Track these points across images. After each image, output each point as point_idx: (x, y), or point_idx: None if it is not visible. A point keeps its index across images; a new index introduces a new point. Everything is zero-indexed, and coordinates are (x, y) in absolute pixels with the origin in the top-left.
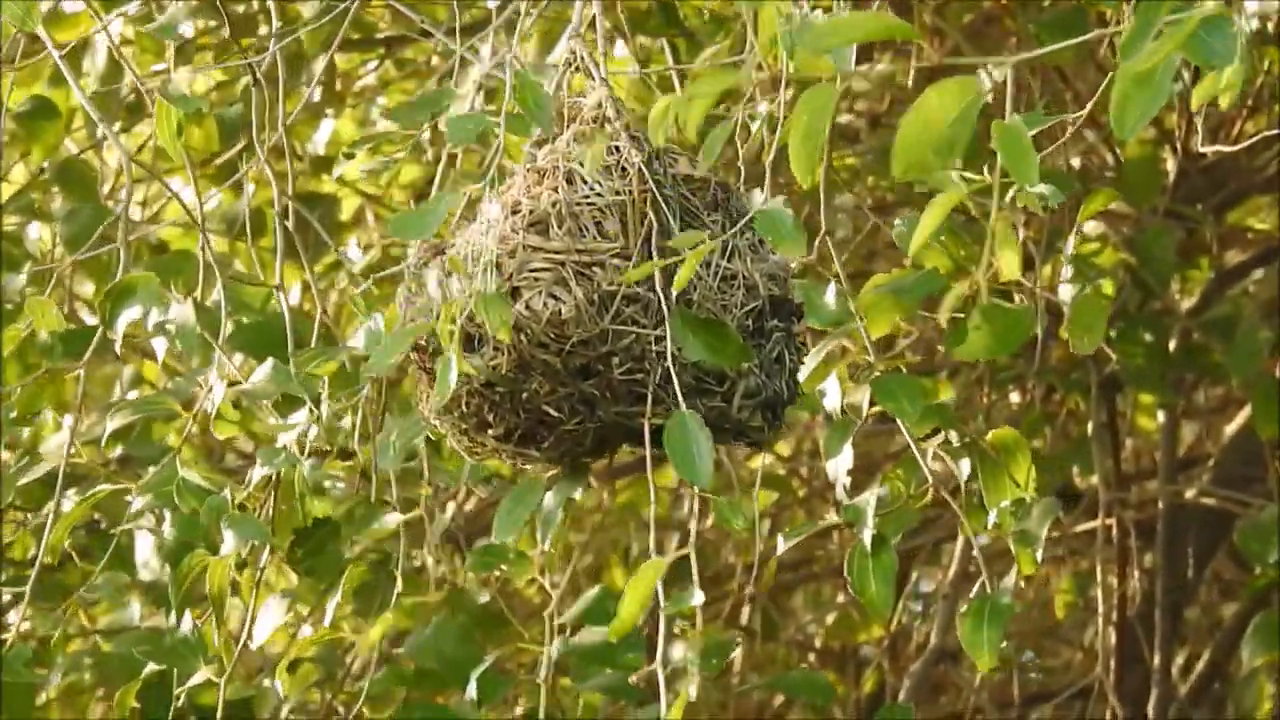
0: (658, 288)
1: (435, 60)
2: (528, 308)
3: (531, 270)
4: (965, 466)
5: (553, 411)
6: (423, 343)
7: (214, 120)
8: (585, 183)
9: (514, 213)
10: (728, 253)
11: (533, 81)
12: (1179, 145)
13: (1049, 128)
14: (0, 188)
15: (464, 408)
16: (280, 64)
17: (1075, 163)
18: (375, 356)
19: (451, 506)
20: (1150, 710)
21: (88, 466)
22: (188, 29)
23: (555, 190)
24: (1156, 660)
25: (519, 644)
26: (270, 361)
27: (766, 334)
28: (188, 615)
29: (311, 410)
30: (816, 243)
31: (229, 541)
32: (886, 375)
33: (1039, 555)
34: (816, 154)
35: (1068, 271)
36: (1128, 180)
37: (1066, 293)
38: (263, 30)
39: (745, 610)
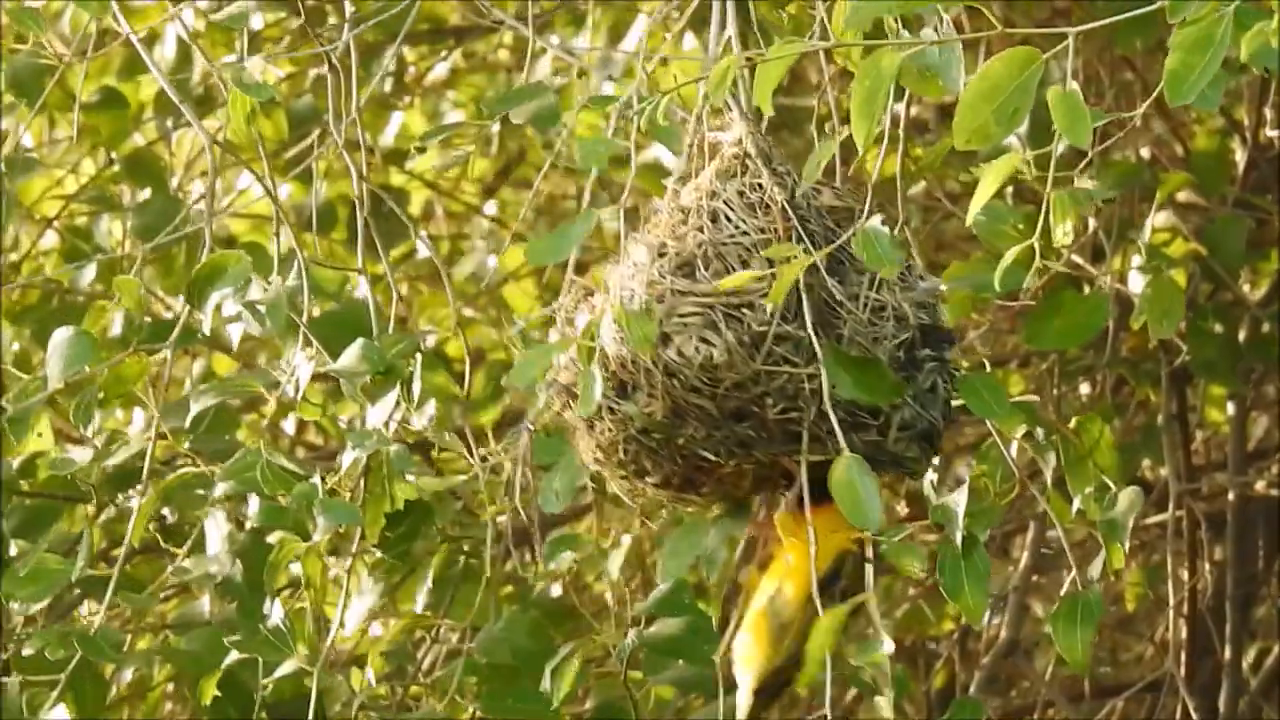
0: (808, 326)
1: (504, 54)
2: (679, 354)
3: (680, 315)
4: (1051, 460)
5: (710, 455)
6: (576, 390)
7: (284, 111)
8: (730, 221)
9: (660, 255)
10: (875, 284)
11: (666, 113)
12: (1248, 135)
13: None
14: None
15: (622, 454)
16: (353, 53)
17: (1145, 153)
18: (516, 370)
19: None
20: (1221, 704)
21: (167, 453)
22: (258, 20)
23: (700, 230)
24: (1227, 653)
25: (591, 636)
26: (360, 342)
27: (919, 364)
28: (278, 604)
29: (402, 391)
30: (895, 230)
31: (321, 526)
32: (971, 374)
33: (1126, 545)
34: (875, 120)
35: (1137, 260)
36: (1197, 170)
37: (1137, 282)
38: (331, 20)
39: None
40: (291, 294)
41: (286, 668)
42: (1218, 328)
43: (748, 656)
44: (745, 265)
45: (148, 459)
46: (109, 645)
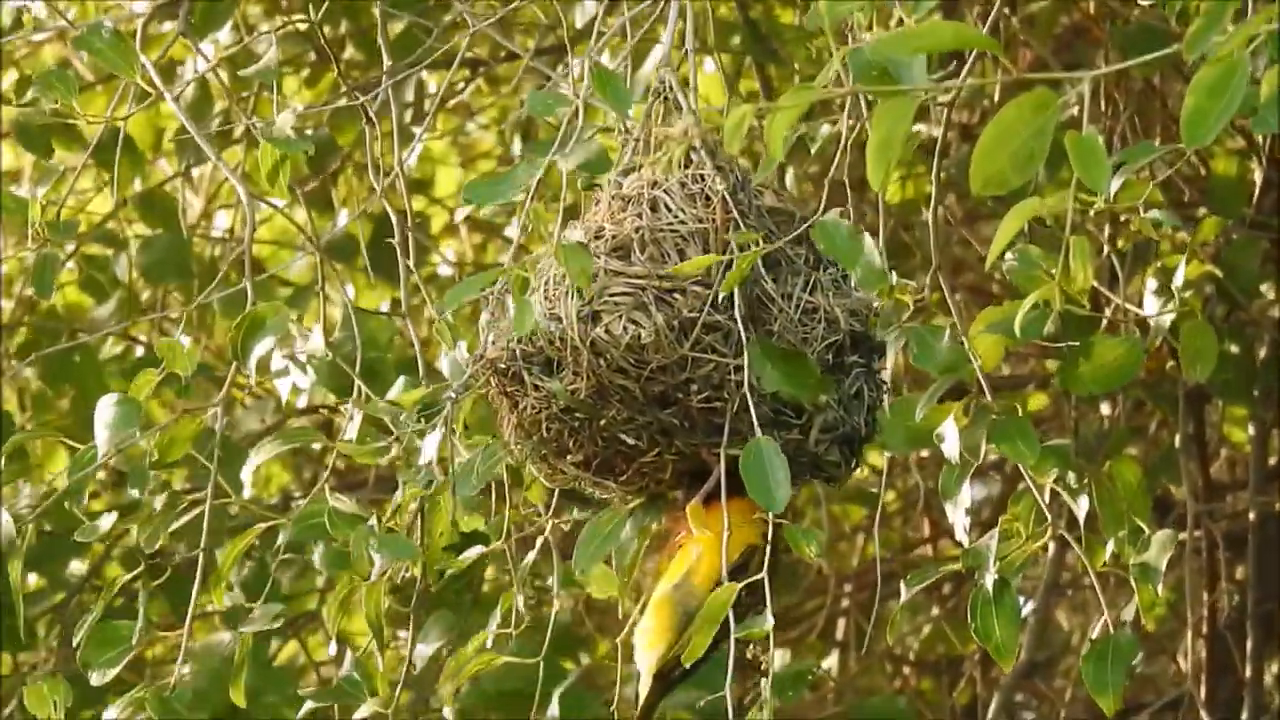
0: (738, 317)
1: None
2: (607, 332)
3: (612, 295)
4: (1084, 504)
5: (631, 440)
6: (503, 366)
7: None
8: (669, 210)
9: (597, 237)
10: (810, 286)
11: (611, 73)
12: (1264, 155)
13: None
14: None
15: (544, 433)
16: (393, 101)
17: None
18: (449, 295)
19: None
20: None
21: (244, 509)
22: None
23: (639, 216)
24: (1248, 671)
25: (601, 659)
26: (402, 379)
27: (846, 369)
28: (348, 652)
29: (396, 438)
30: (928, 277)
31: (379, 563)
32: (1003, 419)
33: (1159, 589)
34: (891, 164)
35: (1152, 284)
36: (1215, 191)
37: (1152, 305)
38: (347, 52)
39: (840, 623)
40: (341, 344)
41: (363, 712)
42: (1234, 348)
43: (649, 641)
44: (681, 253)
45: (206, 516)
46: (184, 706)
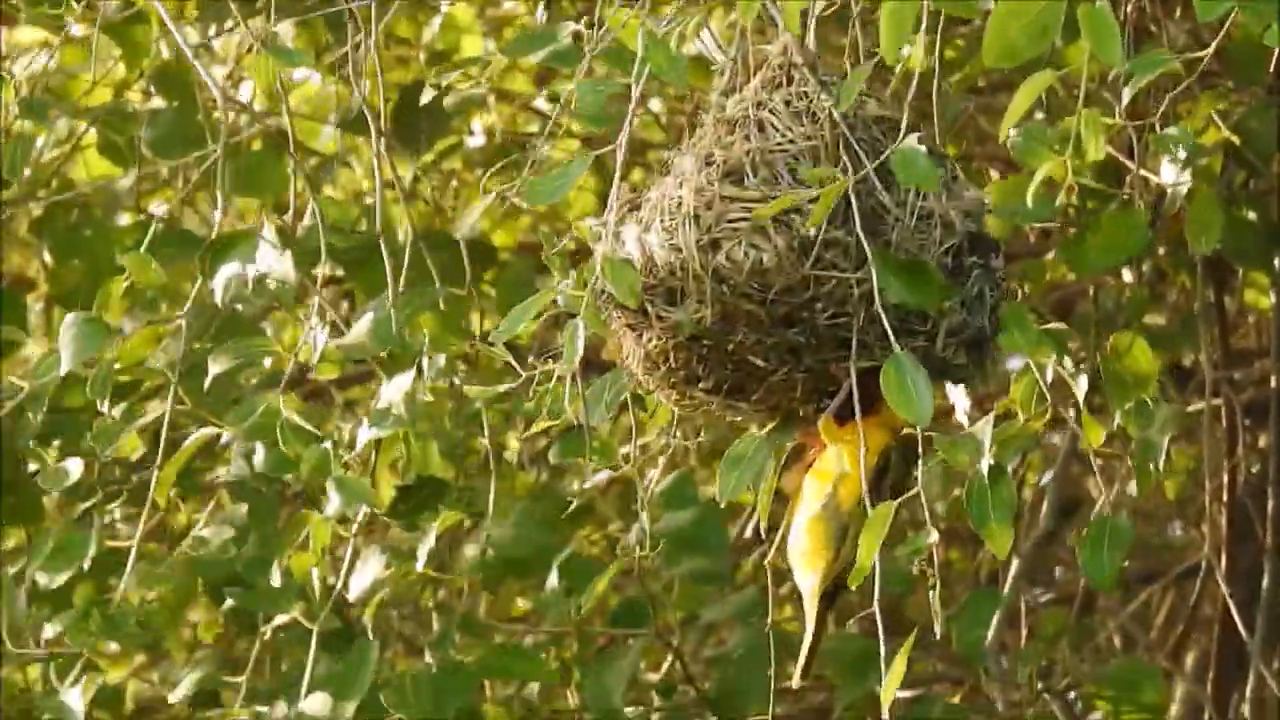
0: (856, 230)
1: None
2: (729, 259)
3: (730, 221)
4: (1083, 384)
5: (759, 362)
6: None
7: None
8: (776, 129)
9: (708, 164)
10: (922, 192)
11: (662, 42)
12: None
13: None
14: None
15: (672, 362)
16: None
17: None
18: (508, 322)
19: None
20: (1264, 588)
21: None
22: None
23: (748, 139)
24: (1269, 539)
25: (604, 530)
26: (369, 315)
27: (966, 271)
28: (276, 566)
29: (418, 369)
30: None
31: (334, 503)
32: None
33: (1160, 465)
34: (903, 34)
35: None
36: (1233, 57)
37: (1169, 173)
38: None
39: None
40: (304, 244)
41: (283, 618)
42: (1252, 215)
43: (809, 562)
44: (793, 173)
45: (165, 423)
46: (129, 623)
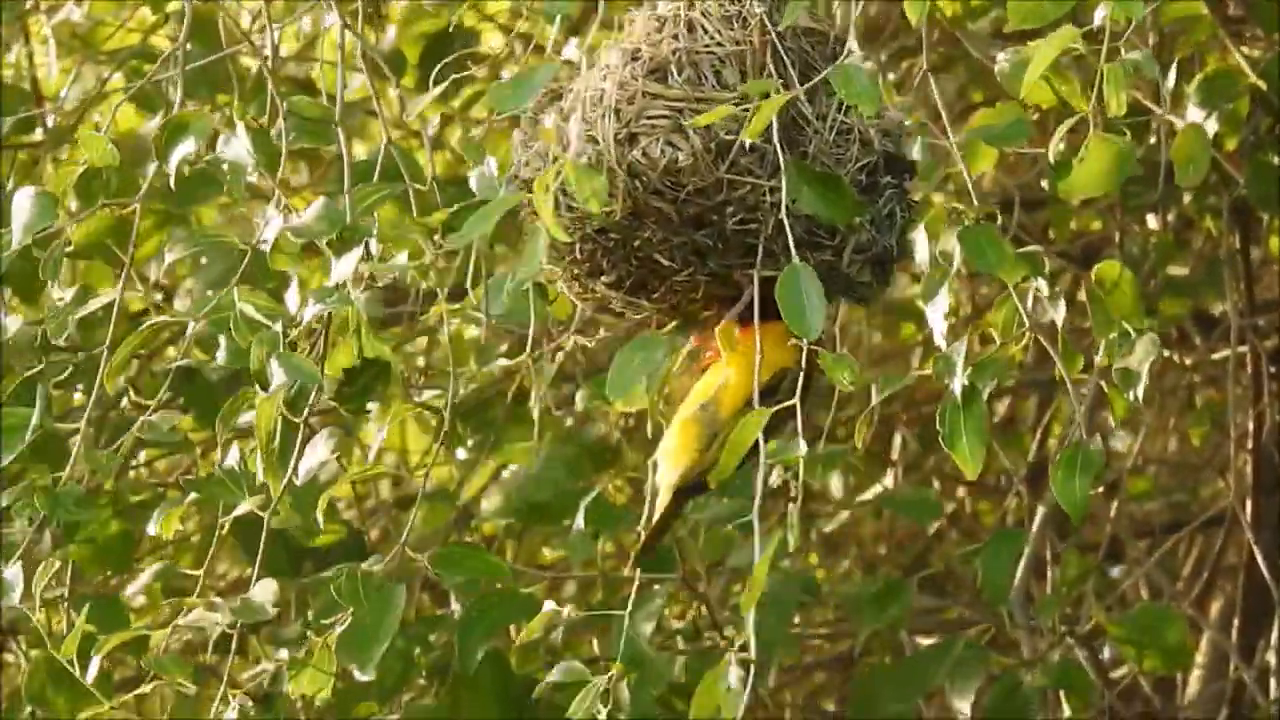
0: (774, 140)
1: None
2: (644, 154)
3: (649, 117)
4: (1060, 309)
5: (664, 260)
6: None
7: None
8: (706, 31)
9: (634, 59)
10: (844, 108)
11: None
12: None
13: None
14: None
15: (578, 254)
16: None
17: None
18: (468, 225)
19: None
20: None
21: (142, 302)
22: None
23: (676, 38)
24: None
25: (630, 473)
26: (321, 200)
27: (880, 190)
28: (234, 449)
29: (366, 250)
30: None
31: (277, 378)
32: (973, 227)
33: (1139, 394)
34: None
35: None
36: (1257, 6)
37: (1196, 115)
38: None
39: (896, 439)
40: (269, 139)
41: (240, 510)
42: (1277, 160)
43: (673, 455)
44: (718, 75)
45: (115, 309)
46: (72, 504)
